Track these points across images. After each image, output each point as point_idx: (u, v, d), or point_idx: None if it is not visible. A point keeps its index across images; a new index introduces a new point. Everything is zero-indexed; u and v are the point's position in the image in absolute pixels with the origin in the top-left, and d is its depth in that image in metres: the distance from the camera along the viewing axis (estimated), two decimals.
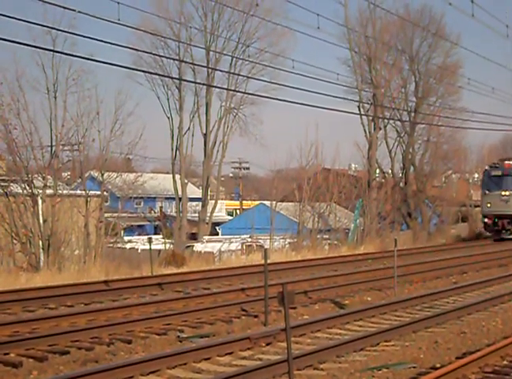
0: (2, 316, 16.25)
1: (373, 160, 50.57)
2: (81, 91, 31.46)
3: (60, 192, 31.09)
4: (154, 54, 49.03)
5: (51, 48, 27.97)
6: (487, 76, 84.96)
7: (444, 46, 60.45)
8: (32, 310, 17.04)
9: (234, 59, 50.46)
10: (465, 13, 28.61)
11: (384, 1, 57.12)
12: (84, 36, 19.50)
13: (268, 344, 12.88)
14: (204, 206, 54.97)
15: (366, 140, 53.73)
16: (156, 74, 49.83)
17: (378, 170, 52.42)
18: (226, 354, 12.16)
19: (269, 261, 16.72)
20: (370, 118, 56.12)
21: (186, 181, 54.63)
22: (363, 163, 51.24)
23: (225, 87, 50.14)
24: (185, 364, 11.39)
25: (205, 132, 52.96)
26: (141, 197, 56.61)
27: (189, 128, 52.77)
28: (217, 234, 61.67)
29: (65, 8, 20.99)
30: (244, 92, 49.07)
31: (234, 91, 49.95)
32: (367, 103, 57.72)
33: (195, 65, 48.19)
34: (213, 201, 57.08)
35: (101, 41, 16.86)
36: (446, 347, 12.49)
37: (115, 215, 33.81)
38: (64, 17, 28.33)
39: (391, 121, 59.28)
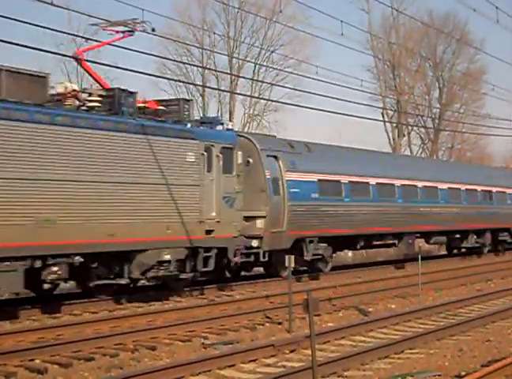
0: (27, 322, 16.33)
1: None
2: None
3: None
4: (178, 62, 49.26)
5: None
6: None
7: (468, 53, 60.29)
8: (57, 317, 17.12)
9: (257, 66, 50.56)
10: (490, 18, 28.53)
11: (408, 7, 57.19)
12: (109, 44, 19.67)
13: (292, 351, 12.84)
14: None
15: (389, 146, 53.65)
16: (179, 81, 50.00)
17: None
18: (250, 362, 12.12)
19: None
20: (394, 124, 56.07)
21: None
22: None
23: (248, 94, 50.24)
24: (209, 371, 11.37)
25: None
26: None
27: None
28: None
29: (90, 16, 21.20)
30: (268, 99, 49.11)
31: (257, 98, 50.03)
32: (391, 110, 57.69)
33: (218, 72, 48.38)
34: None
35: (125, 48, 16.89)
36: (471, 355, 12.40)
37: None
38: (89, 25, 28.40)
39: (415, 128, 59.27)
